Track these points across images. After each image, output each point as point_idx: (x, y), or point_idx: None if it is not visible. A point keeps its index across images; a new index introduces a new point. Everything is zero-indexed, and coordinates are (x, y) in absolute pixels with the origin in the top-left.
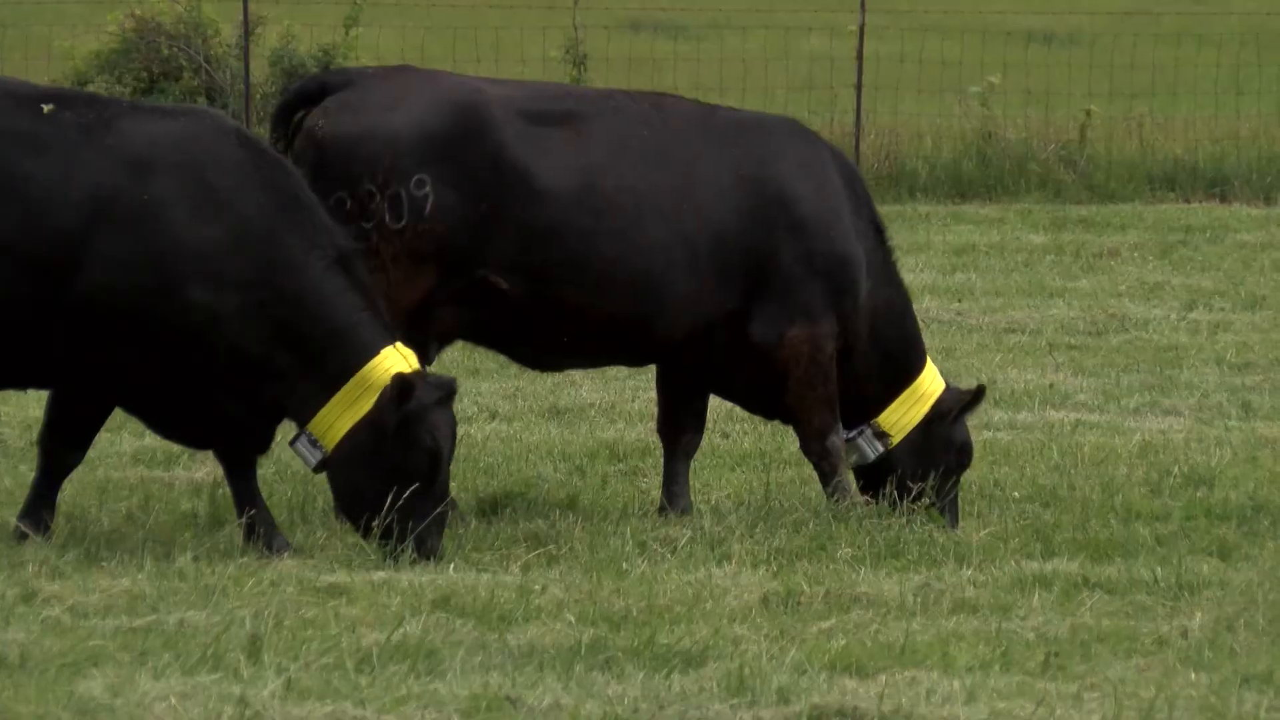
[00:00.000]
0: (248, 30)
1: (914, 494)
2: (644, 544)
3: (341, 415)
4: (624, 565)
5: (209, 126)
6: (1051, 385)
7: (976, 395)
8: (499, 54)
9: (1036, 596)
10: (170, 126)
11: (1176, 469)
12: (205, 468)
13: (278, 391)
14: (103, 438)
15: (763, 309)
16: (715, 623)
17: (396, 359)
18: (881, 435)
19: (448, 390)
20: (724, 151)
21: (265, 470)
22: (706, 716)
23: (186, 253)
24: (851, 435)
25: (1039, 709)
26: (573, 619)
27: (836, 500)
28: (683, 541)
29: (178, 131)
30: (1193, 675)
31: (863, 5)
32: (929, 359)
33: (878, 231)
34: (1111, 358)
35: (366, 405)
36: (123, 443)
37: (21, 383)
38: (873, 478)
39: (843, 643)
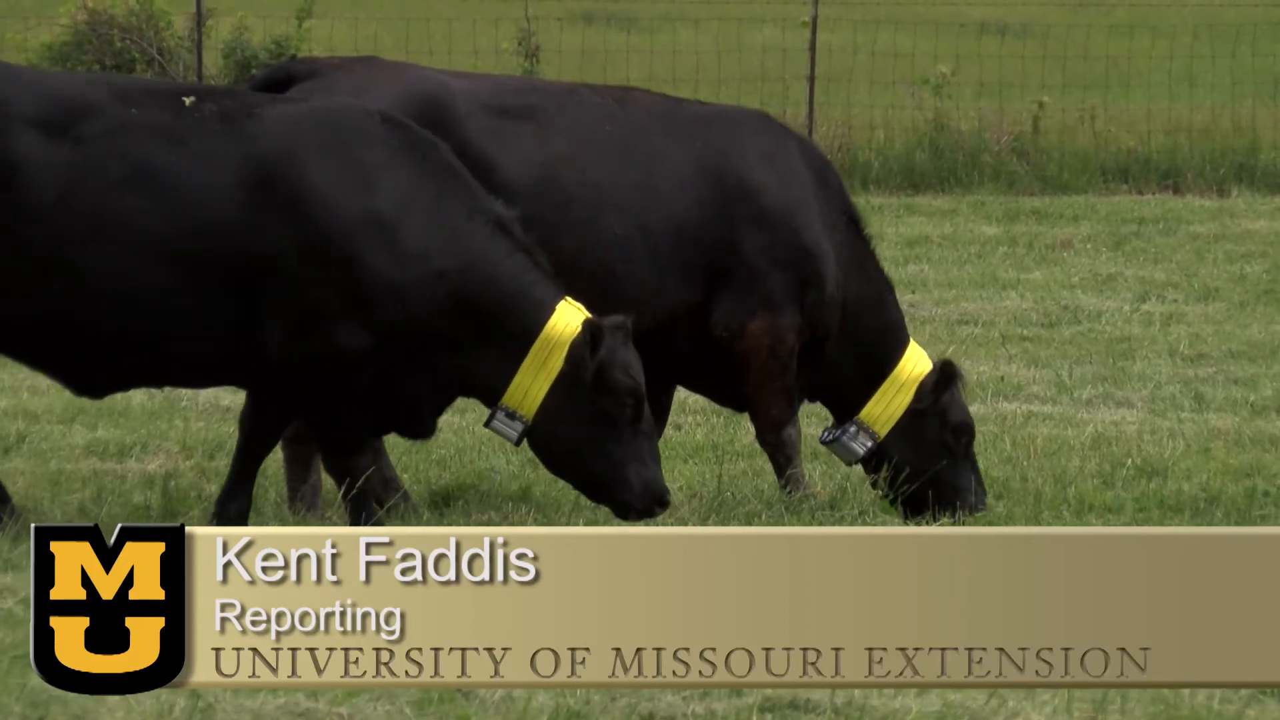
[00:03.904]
0: (201, 22)
1: (900, 490)
2: None
3: (536, 378)
4: None
5: (351, 107)
6: (1004, 377)
7: (944, 374)
8: (451, 46)
9: None
10: (312, 110)
11: (1129, 461)
12: (158, 460)
13: (470, 365)
14: (55, 430)
15: (725, 300)
16: None
17: (572, 312)
18: (866, 430)
19: (626, 329)
20: (688, 144)
21: (218, 462)
22: (658, 708)
23: (353, 226)
24: (836, 435)
25: (991, 700)
26: None
27: (789, 492)
28: None
29: (321, 113)
30: None
31: None
32: (912, 344)
33: (851, 223)
34: (1064, 349)
35: (558, 363)
36: (75, 435)
37: (201, 380)
38: (879, 473)
39: None
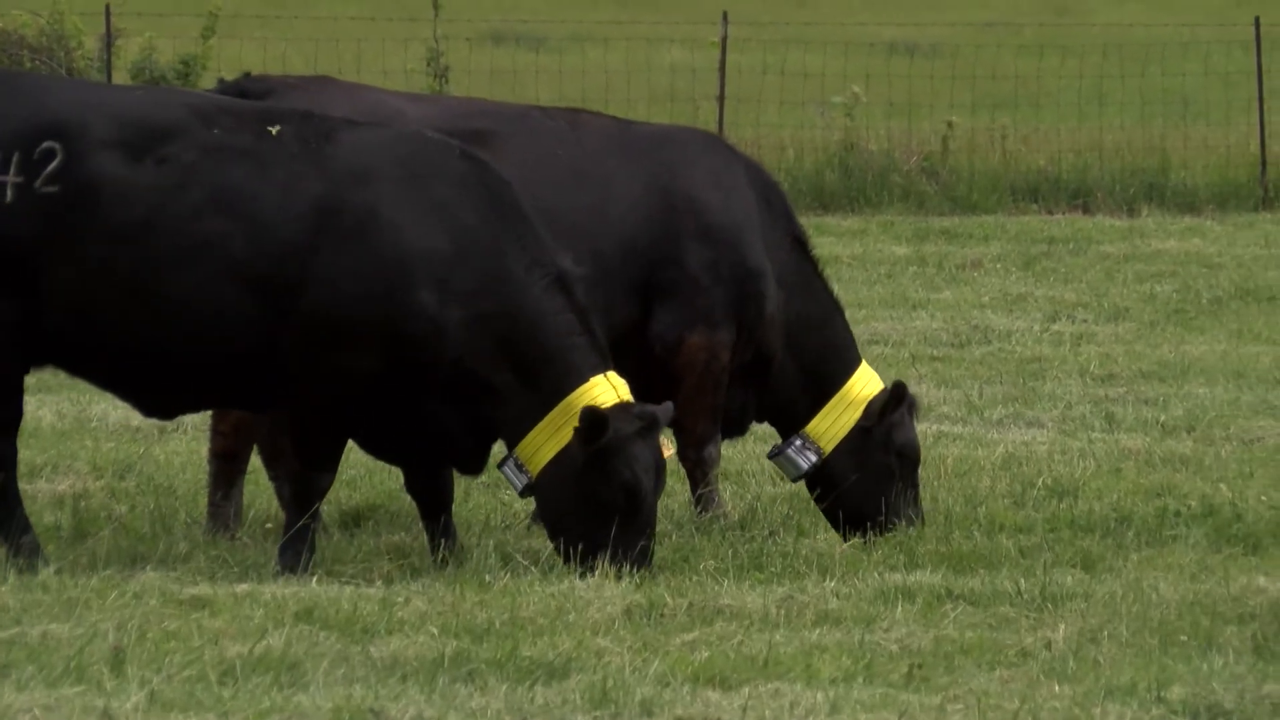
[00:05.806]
0: (110, 42)
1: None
2: (507, 556)
3: (547, 441)
4: (487, 577)
5: (430, 139)
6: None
7: (895, 394)
8: (361, 66)
9: (900, 608)
10: (390, 138)
11: (1040, 481)
12: (68, 480)
13: (494, 410)
14: None
15: (665, 314)
16: (578, 635)
17: (605, 388)
18: (811, 445)
19: (649, 421)
20: (638, 165)
21: (128, 483)
22: None
23: (411, 259)
24: (781, 449)
25: (902, 718)
26: (436, 631)
27: (701, 512)
28: (546, 554)
29: (398, 143)
30: (1056, 687)
31: (725, 17)
32: (864, 365)
33: (796, 244)
34: (974, 369)
35: (569, 433)
36: None
37: (247, 403)
38: (821, 489)
39: (706, 655)
